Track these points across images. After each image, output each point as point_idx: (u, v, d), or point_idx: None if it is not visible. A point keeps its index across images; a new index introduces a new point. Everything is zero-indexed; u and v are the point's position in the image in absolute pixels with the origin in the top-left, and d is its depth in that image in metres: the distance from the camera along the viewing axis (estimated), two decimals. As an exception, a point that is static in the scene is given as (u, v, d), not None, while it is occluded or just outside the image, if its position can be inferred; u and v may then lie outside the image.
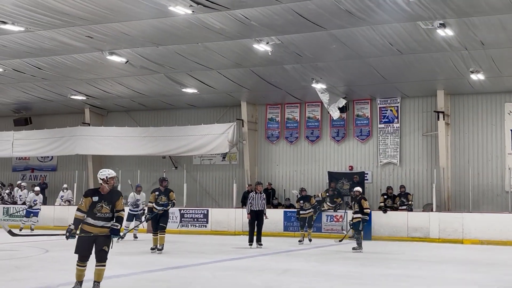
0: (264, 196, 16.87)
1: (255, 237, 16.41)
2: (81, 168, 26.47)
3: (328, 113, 22.04)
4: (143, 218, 17.55)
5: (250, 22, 15.36)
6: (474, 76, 18.68)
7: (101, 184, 8.75)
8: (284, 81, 20.73)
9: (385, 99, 22.13)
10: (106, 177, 8.68)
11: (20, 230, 20.55)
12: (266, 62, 18.70)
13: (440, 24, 14.82)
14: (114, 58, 18.60)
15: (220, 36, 16.54)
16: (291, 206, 22.09)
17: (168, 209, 15.14)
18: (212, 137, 23.13)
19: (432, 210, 19.50)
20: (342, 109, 21.79)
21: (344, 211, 19.92)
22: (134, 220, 18.64)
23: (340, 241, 17.71)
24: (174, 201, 15.11)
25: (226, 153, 24.13)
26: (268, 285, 9.59)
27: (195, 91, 22.28)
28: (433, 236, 18.69)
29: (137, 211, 18.70)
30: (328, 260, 13.35)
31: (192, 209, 22.38)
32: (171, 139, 23.88)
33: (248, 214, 16.51)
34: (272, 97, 23.13)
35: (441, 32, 15.29)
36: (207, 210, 22.05)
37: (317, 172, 23.18)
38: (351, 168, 22.59)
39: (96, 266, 8.44)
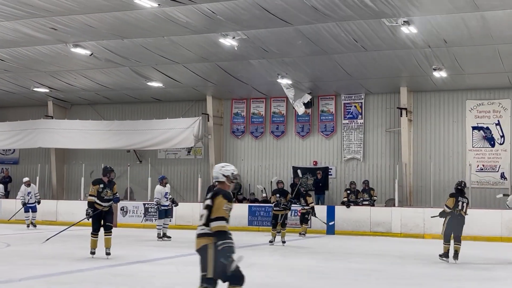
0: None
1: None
2: (44, 162, 26.16)
3: (293, 108, 22.16)
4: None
5: (216, 17, 15.35)
6: (436, 74, 18.97)
7: (220, 182, 6.53)
8: (250, 76, 20.77)
9: (349, 95, 22.34)
10: (232, 173, 6.67)
11: (28, 226, 20.17)
12: (232, 57, 18.71)
13: (404, 21, 15.03)
14: (78, 51, 18.41)
15: (186, 30, 16.49)
16: (256, 200, 22.16)
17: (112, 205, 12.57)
18: (177, 131, 23.06)
19: (394, 205, 19.77)
20: (307, 105, 21.93)
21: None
22: (165, 216, 17.00)
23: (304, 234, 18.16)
24: (117, 195, 12.54)
25: (191, 147, 24.09)
26: (232, 279, 9.61)
27: (161, 85, 22.17)
28: (395, 231, 18.95)
29: (167, 206, 16.95)
30: (292, 254, 13.45)
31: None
32: (136, 133, 23.74)
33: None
34: (237, 92, 23.15)
35: (405, 29, 15.51)
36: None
37: (282, 167, 23.30)
38: (315, 163, 22.76)
39: None
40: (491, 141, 20.65)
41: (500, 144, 20.56)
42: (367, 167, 22.08)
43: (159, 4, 14.47)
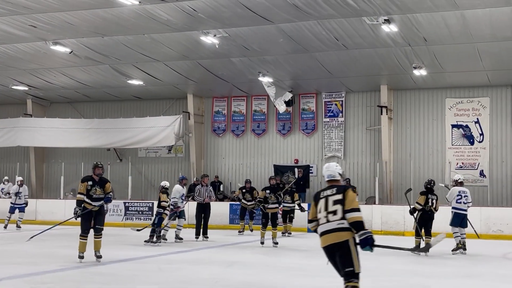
0: (211, 189, 16.91)
1: (201, 230, 16.43)
2: (23, 160, 25.92)
3: (274, 106, 22.17)
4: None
5: (198, 14, 15.32)
6: (416, 72, 19.09)
7: (335, 180, 6.50)
8: (231, 74, 20.74)
9: (330, 94, 22.40)
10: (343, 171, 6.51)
11: (5, 227, 19.33)
12: (213, 55, 18.68)
13: (384, 20, 15.11)
14: (58, 48, 18.26)
15: (167, 27, 16.43)
16: (237, 199, 22.15)
17: (104, 205, 11.63)
18: (158, 130, 22.98)
19: (374, 203, 19.87)
20: (288, 103, 21.96)
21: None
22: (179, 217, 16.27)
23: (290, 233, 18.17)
24: (111, 194, 11.68)
25: (172, 145, 24.01)
26: (215, 277, 9.61)
27: (141, 83, 22.07)
28: (375, 228, 19.02)
29: (181, 207, 16.12)
30: (273, 252, 13.46)
31: (137, 202, 22.18)
32: (116, 131, 23.61)
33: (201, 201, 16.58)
34: (218, 90, 23.11)
35: (385, 28, 15.59)
36: (152, 203, 21.86)
37: (263, 165, 23.31)
38: (297, 161, 22.80)
39: None
40: (470, 139, 20.84)
41: (479, 142, 20.75)
42: (347, 165, 22.16)
43: (140, 2, 14.41)
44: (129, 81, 21.91)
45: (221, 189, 23.10)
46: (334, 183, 6.45)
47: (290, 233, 18.16)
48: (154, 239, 14.89)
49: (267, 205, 15.10)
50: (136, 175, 24.07)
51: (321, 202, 6.31)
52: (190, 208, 18.47)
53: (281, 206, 17.34)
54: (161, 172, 24.74)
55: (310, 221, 6.55)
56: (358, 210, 6.16)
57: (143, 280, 9.32)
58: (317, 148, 22.71)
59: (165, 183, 15.69)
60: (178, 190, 15.88)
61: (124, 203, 22.00)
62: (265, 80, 20.75)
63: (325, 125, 22.51)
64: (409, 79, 20.24)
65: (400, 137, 21.66)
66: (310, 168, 22.50)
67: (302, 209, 17.84)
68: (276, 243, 14.56)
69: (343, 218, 6.12)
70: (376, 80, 20.77)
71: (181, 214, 16.09)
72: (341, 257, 6.11)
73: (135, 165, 24.36)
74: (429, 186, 13.70)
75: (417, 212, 13.56)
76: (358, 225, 6.09)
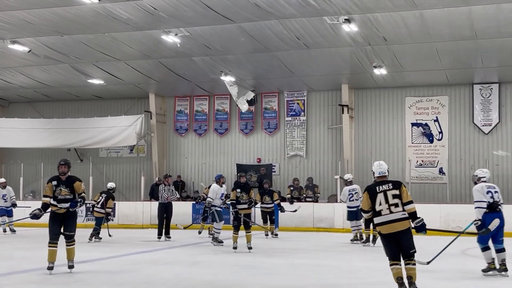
0: (173, 189, 16.83)
1: (164, 230, 16.35)
2: (-19, 161, 25.45)
3: (237, 105, 22.20)
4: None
5: (158, 13, 15.23)
6: (377, 71, 19.32)
7: (385, 176, 8.06)
8: (193, 73, 20.68)
9: (292, 93, 22.52)
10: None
11: (5, 231, 18.45)
12: (175, 54, 18.60)
13: (345, 19, 15.24)
14: (16, 47, 17.95)
15: (127, 26, 16.30)
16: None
17: (75, 209, 10.27)
18: (120, 129, 22.80)
19: (336, 201, 20.02)
20: (250, 102, 22.01)
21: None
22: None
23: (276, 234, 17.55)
24: (83, 195, 10.29)
25: (134, 145, 23.86)
26: (177, 277, 9.58)
27: (102, 82, 21.85)
28: (337, 227, 19.19)
29: (218, 207, 15.06)
30: (236, 251, 13.45)
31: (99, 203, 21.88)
32: (77, 131, 23.35)
33: (160, 203, 16.41)
34: (181, 89, 23.02)
35: (346, 27, 15.72)
36: (114, 204, 21.56)
37: (226, 165, 23.30)
38: (259, 160, 22.86)
39: None
40: (429, 137, 21.18)
41: (438, 140, 21.10)
42: (309, 163, 22.31)
43: (99, 0, 14.26)
44: (90, 81, 21.67)
45: (185, 188, 23.02)
46: (385, 179, 7.98)
47: (276, 235, 17.32)
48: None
49: (239, 206, 13.67)
50: (98, 176, 23.81)
51: (380, 196, 7.75)
52: (152, 208, 18.39)
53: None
54: (123, 172, 24.54)
55: (365, 211, 7.99)
56: (412, 202, 7.74)
57: (104, 281, 9.22)
58: (279, 147, 22.81)
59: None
60: (215, 189, 14.75)
61: (86, 204, 21.68)
62: (227, 79, 20.74)
63: (287, 124, 22.61)
64: (369, 78, 20.46)
65: (361, 135, 21.89)
66: (273, 167, 22.57)
67: (282, 209, 17.40)
68: (250, 248, 13.23)
69: (403, 209, 7.64)
70: (337, 79, 20.94)
71: (220, 216, 14.80)
72: (407, 240, 7.62)
73: (96, 166, 24.11)
74: None
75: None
76: (414, 215, 7.68)
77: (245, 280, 9.40)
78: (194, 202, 20.42)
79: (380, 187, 7.82)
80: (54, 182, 10.12)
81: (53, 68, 20.44)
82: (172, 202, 16.61)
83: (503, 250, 9.66)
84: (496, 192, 9.86)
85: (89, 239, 15.81)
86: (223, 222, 14.92)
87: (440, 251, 9.46)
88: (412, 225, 7.64)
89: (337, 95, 21.84)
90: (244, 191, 13.74)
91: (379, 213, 7.75)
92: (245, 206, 13.66)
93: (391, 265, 7.71)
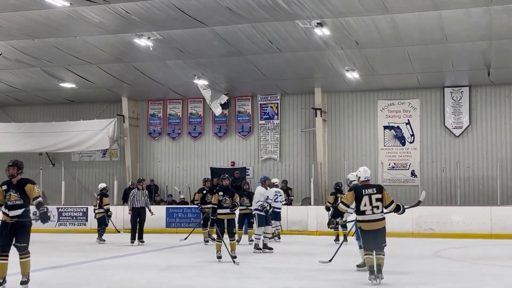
0: (147, 193, 16.74)
1: (137, 234, 16.24)
2: (-50, 166, 25.01)
3: (210, 109, 22.18)
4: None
5: (131, 17, 15.18)
6: (349, 75, 19.45)
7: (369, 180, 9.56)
8: (166, 76, 20.62)
9: (265, 96, 22.57)
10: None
11: None
12: (148, 57, 18.53)
13: (317, 23, 15.35)
14: (-14, 51, 17.75)
15: (99, 29, 16.21)
16: (173, 202, 22.00)
17: (29, 217, 9.06)
18: (92, 133, 22.67)
19: (310, 204, 20.10)
20: (224, 106, 22.01)
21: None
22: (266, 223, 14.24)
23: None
24: (39, 200, 8.79)
25: (107, 149, 23.71)
26: (150, 281, 9.54)
27: (74, 85, 21.67)
28: (311, 229, 19.27)
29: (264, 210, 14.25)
30: (210, 255, 13.43)
31: (71, 207, 21.74)
32: (48, 135, 23.14)
33: (129, 210, 16.30)
34: (154, 93, 22.93)
35: (318, 31, 15.82)
36: (87, 208, 21.49)
37: (200, 168, 23.26)
38: (233, 163, 22.86)
39: None
40: (401, 140, 21.38)
41: (410, 142, 21.30)
42: (283, 167, 22.38)
43: (71, 3, 14.17)
44: (61, 84, 21.48)
45: (158, 192, 22.93)
46: (368, 183, 9.42)
47: (252, 240, 15.50)
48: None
49: (220, 210, 12.34)
50: (70, 180, 23.61)
51: (366, 198, 9.20)
52: (126, 212, 18.28)
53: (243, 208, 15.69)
54: (95, 177, 24.35)
55: (347, 206, 9.47)
56: (393, 201, 9.40)
57: (75, 286, 9.15)
58: (253, 150, 22.84)
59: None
60: (261, 192, 14.14)
61: (57, 208, 21.52)
62: (201, 82, 20.72)
63: (261, 127, 22.66)
64: (342, 82, 20.58)
65: (334, 138, 22.01)
66: (247, 170, 22.58)
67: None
68: (235, 257, 11.75)
69: (382, 211, 9.24)
70: (310, 83, 21.04)
71: (262, 221, 13.97)
72: (381, 237, 9.23)
73: (69, 170, 23.89)
74: (337, 187, 15.96)
75: (330, 209, 14.80)
76: (398, 208, 9.47)
77: (217, 284, 9.40)
78: (198, 209, 17.40)
79: (366, 190, 9.26)
80: (4, 187, 8.80)
81: (24, 72, 20.23)
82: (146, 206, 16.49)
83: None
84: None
85: (97, 239, 16.87)
86: (263, 227, 14.01)
87: (337, 249, 11.33)
88: (399, 213, 9.57)
89: (310, 98, 21.94)
90: (227, 194, 12.31)
91: (363, 213, 9.25)
92: (227, 210, 12.25)
93: (365, 254, 9.27)
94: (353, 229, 11.42)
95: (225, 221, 12.25)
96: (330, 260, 11.06)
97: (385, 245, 9.21)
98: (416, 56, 18.07)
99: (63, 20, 15.49)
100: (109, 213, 17.46)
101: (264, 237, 14.08)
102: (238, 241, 15.09)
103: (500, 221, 17.72)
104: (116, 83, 21.34)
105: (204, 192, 16.51)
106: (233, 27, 16.10)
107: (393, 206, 9.37)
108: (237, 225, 14.67)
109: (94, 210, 17.73)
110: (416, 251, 14.26)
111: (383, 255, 9.16)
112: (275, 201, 15.82)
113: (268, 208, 14.19)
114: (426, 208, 18.96)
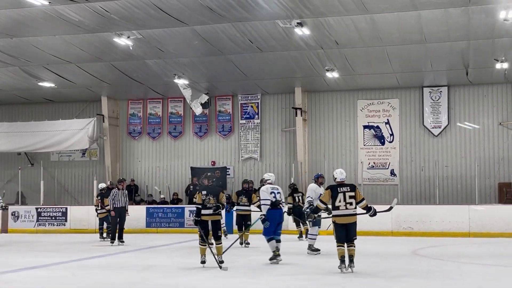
0: (126, 193, 16.66)
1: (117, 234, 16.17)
2: None
3: (191, 109, 22.15)
4: None
5: (110, 16, 15.11)
6: (329, 74, 19.54)
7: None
8: (146, 76, 20.56)
9: (246, 96, 22.59)
10: None
11: None
12: (127, 57, 18.46)
13: (297, 23, 15.40)
14: (-36, 49, 17.57)
15: (79, 28, 16.13)
16: (154, 202, 21.94)
17: None
18: (71, 133, 22.54)
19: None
20: (204, 105, 21.99)
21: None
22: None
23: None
24: None
25: (86, 149, 23.58)
26: (130, 281, 9.51)
27: (53, 85, 21.51)
28: (291, 228, 19.27)
29: None
30: (190, 255, 13.42)
31: (50, 207, 21.57)
32: (27, 135, 22.96)
33: (111, 210, 16.20)
34: (134, 92, 22.85)
35: (298, 31, 15.87)
36: (66, 208, 21.37)
37: (180, 168, 23.22)
38: (214, 163, 22.85)
39: None
40: (381, 139, 21.52)
41: (390, 142, 21.45)
42: (264, 166, 22.41)
43: (50, 2, 14.08)
44: (40, 83, 21.32)
45: (138, 192, 22.85)
46: (344, 182, 10.49)
47: (249, 243, 15.29)
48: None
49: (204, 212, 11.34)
50: (49, 180, 23.45)
51: (341, 195, 10.26)
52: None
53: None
54: (75, 176, 24.23)
55: (324, 203, 10.55)
56: (364, 199, 10.53)
57: (54, 286, 9.09)
58: (233, 150, 22.85)
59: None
60: (313, 189, 13.22)
61: (36, 208, 21.36)
62: (181, 82, 20.69)
63: (241, 127, 22.67)
64: (322, 82, 20.67)
65: (314, 138, 22.10)
66: (227, 170, 22.58)
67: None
68: (222, 262, 10.90)
69: (355, 207, 10.29)
70: (291, 82, 21.10)
71: (316, 221, 13.00)
72: (353, 230, 10.27)
73: (48, 170, 23.72)
74: (294, 187, 17.16)
75: (289, 209, 16.12)
76: (368, 208, 10.52)
77: (197, 283, 9.40)
78: (226, 210, 15.72)
79: (341, 188, 10.37)
80: None
81: (2, 71, 20.04)
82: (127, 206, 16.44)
83: (279, 241, 11.82)
84: (278, 192, 11.98)
85: (101, 237, 17.29)
86: (318, 227, 13.27)
87: (232, 243, 12.07)
88: (369, 214, 10.54)
89: (291, 98, 22.00)
90: (211, 193, 11.25)
91: (337, 208, 10.28)
92: (211, 211, 11.19)
93: (338, 246, 10.23)
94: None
95: (209, 223, 11.24)
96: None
97: (356, 238, 10.26)
98: (395, 56, 18.21)
99: (42, 19, 15.38)
100: (110, 212, 16.98)
101: (310, 238, 13.30)
102: (241, 243, 14.91)
103: (478, 220, 17.90)
104: (95, 83, 21.23)
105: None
106: (214, 27, 16.09)
107: (364, 202, 10.45)
108: (236, 226, 15.34)
109: (96, 210, 17.89)
110: (395, 249, 14.35)
111: (354, 246, 10.22)
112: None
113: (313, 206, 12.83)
114: (405, 207, 19.11)
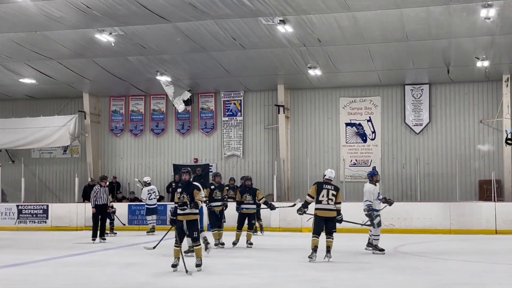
0: (108, 190, 16.57)
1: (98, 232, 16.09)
2: None
3: (173, 105, 22.10)
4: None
5: (92, 12, 15.02)
6: (312, 72, 19.58)
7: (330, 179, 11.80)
8: (128, 73, 20.47)
9: (228, 93, 22.57)
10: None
11: None
12: (109, 53, 18.37)
13: (280, 20, 15.42)
14: None
15: (60, 24, 16.01)
16: (136, 199, 21.84)
17: None
18: (53, 130, 22.39)
19: (273, 200, 20.12)
20: (187, 102, 21.95)
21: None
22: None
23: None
24: None
25: (68, 146, 23.43)
26: (112, 279, 9.47)
27: (34, 81, 21.34)
28: (273, 225, 19.31)
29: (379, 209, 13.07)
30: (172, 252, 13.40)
31: (31, 205, 21.38)
32: (8, 132, 22.82)
33: (93, 207, 16.11)
34: (116, 89, 22.73)
35: (281, 28, 15.89)
36: (47, 206, 21.20)
37: (162, 165, 23.17)
38: (196, 160, 22.81)
39: None
40: (363, 136, 21.62)
41: (372, 139, 21.56)
42: (246, 163, 22.43)
43: (31, -2, 13.96)
44: (21, 80, 21.14)
45: (120, 189, 22.74)
46: (330, 181, 11.69)
47: (251, 244, 14.51)
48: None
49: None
50: (30, 177, 23.27)
51: (324, 191, 11.47)
52: (87, 209, 18.11)
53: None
54: (56, 174, 24.08)
55: (311, 197, 11.67)
56: (341, 202, 11.61)
57: (35, 284, 9.04)
58: (216, 147, 22.83)
59: None
60: (371, 190, 12.58)
61: (17, 206, 21.18)
62: (163, 79, 20.62)
63: (224, 124, 22.66)
64: (304, 79, 20.71)
65: (297, 135, 22.14)
66: (210, 167, 22.56)
67: (272, 207, 15.02)
68: (199, 265, 10.36)
69: (334, 204, 11.45)
70: (273, 80, 21.11)
71: (379, 223, 12.78)
72: (332, 223, 11.47)
73: (29, 167, 23.54)
74: (232, 184, 17.34)
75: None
76: (339, 212, 11.56)
77: (180, 280, 9.38)
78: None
79: (326, 185, 11.57)
80: None
81: (-18, 67, 19.87)
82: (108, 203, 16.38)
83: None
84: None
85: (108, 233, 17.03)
86: (380, 227, 12.72)
87: (162, 237, 11.74)
88: (336, 218, 11.56)
89: (273, 95, 22.03)
90: (185, 191, 10.48)
91: (320, 202, 11.47)
92: (185, 210, 10.39)
93: (313, 236, 11.34)
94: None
95: (184, 223, 10.40)
96: (154, 247, 11.66)
97: (335, 231, 11.43)
98: (377, 54, 18.28)
99: (23, 14, 15.25)
100: (113, 209, 17.85)
101: (374, 239, 12.78)
102: (234, 243, 14.31)
103: (459, 217, 18.07)
104: (77, 79, 21.09)
105: (212, 187, 14.44)
106: (196, 24, 16.06)
107: (339, 206, 11.55)
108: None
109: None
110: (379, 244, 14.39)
111: (332, 238, 11.34)
112: (149, 199, 18.10)
113: (381, 206, 12.79)
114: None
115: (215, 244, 13.87)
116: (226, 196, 14.74)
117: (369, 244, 12.98)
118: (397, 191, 21.21)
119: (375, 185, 12.75)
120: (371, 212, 12.54)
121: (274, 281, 9.23)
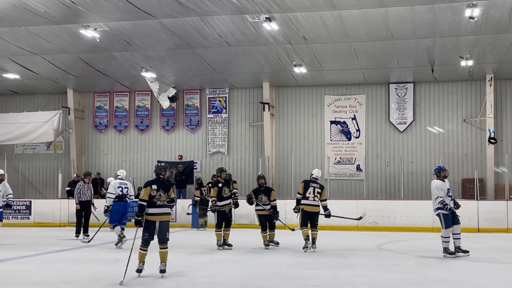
0: (91, 187, 16.50)
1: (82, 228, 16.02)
2: None
3: (158, 102, 22.04)
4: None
5: (77, 7, 14.95)
6: (297, 70, 19.62)
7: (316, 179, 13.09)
8: (113, 69, 20.39)
9: (214, 90, 22.56)
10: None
11: None
12: (94, 49, 18.28)
13: (266, 18, 15.43)
14: None
15: (45, 20, 15.91)
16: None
17: None
18: (36, 125, 22.26)
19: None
20: (172, 99, 21.91)
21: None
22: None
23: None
24: None
25: (51, 142, 23.30)
26: (95, 276, 9.43)
27: (17, 76, 21.19)
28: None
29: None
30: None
31: (14, 201, 21.11)
32: (-9, 127, 22.60)
33: (76, 204, 16.03)
34: (100, 85, 22.63)
35: (266, 26, 15.90)
36: (30, 202, 21.08)
37: (147, 162, 23.10)
38: (181, 157, 22.78)
39: None
40: (347, 134, 21.70)
41: (356, 137, 21.65)
42: (231, 160, 22.42)
43: (15, -8, 13.85)
44: (4, 75, 21.00)
45: (104, 186, 22.62)
46: (317, 180, 13.00)
47: (278, 243, 13.75)
48: None
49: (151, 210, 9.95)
50: (13, 173, 23.11)
51: (311, 189, 12.76)
52: (70, 206, 18.00)
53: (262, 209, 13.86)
54: (39, 169, 23.95)
55: (300, 194, 12.84)
56: (326, 199, 13.00)
57: (18, 280, 8.98)
58: (201, 144, 22.81)
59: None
60: (439, 186, 11.89)
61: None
62: (148, 75, 20.56)
63: (209, 121, 22.64)
64: (290, 77, 20.75)
65: (281, 132, 22.19)
66: (194, 164, 22.55)
67: (275, 216, 13.79)
68: (163, 271, 9.55)
69: (319, 201, 12.80)
70: (259, 77, 21.13)
71: (455, 219, 11.92)
72: (316, 218, 12.79)
73: (12, 162, 23.39)
74: (199, 182, 18.92)
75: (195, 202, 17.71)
76: (326, 207, 12.85)
77: (167, 274, 9.37)
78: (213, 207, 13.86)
79: (312, 183, 12.88)
80: None
81: (-35, 62, 19.70)
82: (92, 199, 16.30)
83: (123, 228, 13.93)
84: (126, 187, 14.27)
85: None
86: (451, 228, 11.78)
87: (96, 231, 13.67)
88: (324, 213, 12.84)
89: (259, 92, 22.05)
90: (163, 188, 9.47)
91: (307, 198, 12.73)
92: (161, 210, 9.46)
93: (302, 228, 12.63)
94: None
95: (157, 224, 9.47)
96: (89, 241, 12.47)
97: (317, 224, 12.75)
98: (362, 52, 18.35)
99: (7, 9, 15.13)
100: (76, 206, 16.11)
101: (455, 238, 11.80)
102: (267, 244, 13.40)
103: (441, 215, 18.15)
104: (61, 75, 20.97)
105: (220, 185, 13.52)
106: (182, 20, 16.02)
107: (325, 203, 12.86)
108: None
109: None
110: (360, 244, 14.50)
111: (317, 231, 12.72)
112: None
113: (452, 204, 11.75)
114: (371, 202, 19.34)
115: (221, 245, 13.16)
116: (236, 193, 13.72)
117: (458, 248, 11.70)
118: (381, 189, 21.33)
119: (443, 181, 11.87)
120: (446, 206, 11.51)
121: (257, 277, 9.25)
